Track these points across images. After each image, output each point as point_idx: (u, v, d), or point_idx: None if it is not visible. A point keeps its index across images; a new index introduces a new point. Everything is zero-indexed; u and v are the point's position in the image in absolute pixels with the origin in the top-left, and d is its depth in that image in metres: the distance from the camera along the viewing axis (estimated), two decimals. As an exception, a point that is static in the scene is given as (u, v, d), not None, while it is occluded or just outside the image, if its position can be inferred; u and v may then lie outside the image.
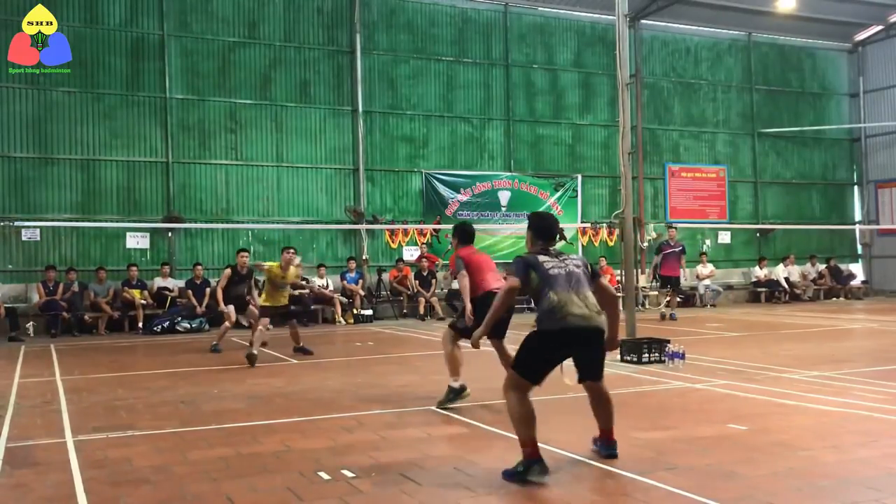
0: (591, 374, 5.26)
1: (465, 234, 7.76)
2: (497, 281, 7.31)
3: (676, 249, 16.71)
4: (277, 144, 18.16)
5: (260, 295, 12.20)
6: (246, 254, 12.50)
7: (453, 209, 19.47)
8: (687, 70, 22.55)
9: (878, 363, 9.56)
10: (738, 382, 8.14)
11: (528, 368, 5.03)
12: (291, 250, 11.50)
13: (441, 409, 7.06)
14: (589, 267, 5.32)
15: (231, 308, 12.07)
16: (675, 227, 18.23)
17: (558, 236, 5.43)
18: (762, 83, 23.43)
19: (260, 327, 10.84)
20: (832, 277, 22.58)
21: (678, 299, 17.29)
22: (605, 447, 5.31)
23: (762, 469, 4.92)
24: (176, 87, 17.36)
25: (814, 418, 6.47)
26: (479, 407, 7.09)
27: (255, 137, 17.96)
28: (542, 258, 5.18)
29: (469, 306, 7.20)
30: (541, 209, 20.34)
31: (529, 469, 4.75)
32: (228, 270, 12.30)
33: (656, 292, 18.40)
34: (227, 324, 12.12)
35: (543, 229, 5.43)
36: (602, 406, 5.33)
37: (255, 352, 10.36)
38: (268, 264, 11.50)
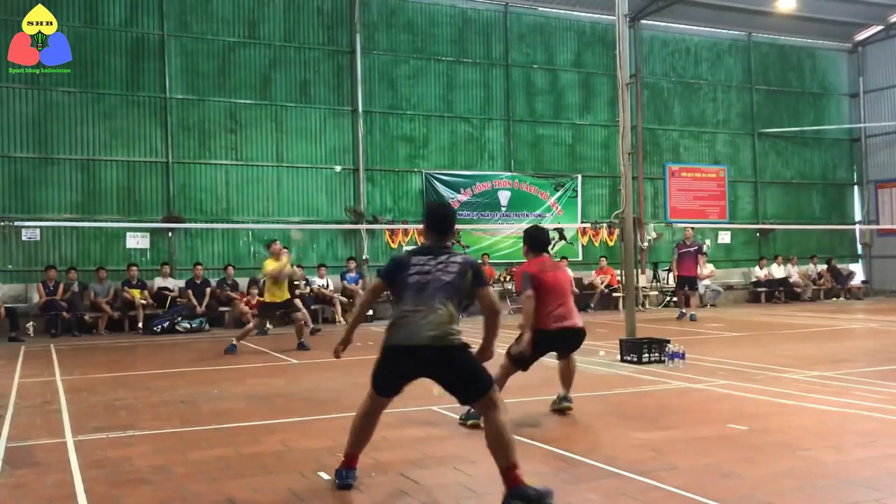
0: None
1: (536, 240, 6.56)
2: (574, 314, 6.34)
3: (692, 249, 16.49)
4: (277, 144, 18.15)
5: (261, 294, 12.52)
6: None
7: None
8: (687, 70, 22.55)
9: (878, 363, 9.56)
10: (739, 382, 8.13)
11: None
12: (276, 241, 12.42)
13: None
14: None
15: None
16: (693, 227, 17.94)
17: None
18: (762, 83, 23.42)
19: (249, 325, 12.00)
20: (832, 277, 22.58)
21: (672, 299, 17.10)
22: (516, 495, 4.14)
23: (762, 469, 4.92)
24: (176, 87, 17.36)
25: (814, 418, 6.47)
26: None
27: (255, 137, 17.95)
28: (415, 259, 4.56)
29: (528, 335, 6.09)
30: (540, 209, 20.36)
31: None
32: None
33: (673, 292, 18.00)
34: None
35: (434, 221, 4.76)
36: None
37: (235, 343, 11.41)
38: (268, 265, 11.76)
